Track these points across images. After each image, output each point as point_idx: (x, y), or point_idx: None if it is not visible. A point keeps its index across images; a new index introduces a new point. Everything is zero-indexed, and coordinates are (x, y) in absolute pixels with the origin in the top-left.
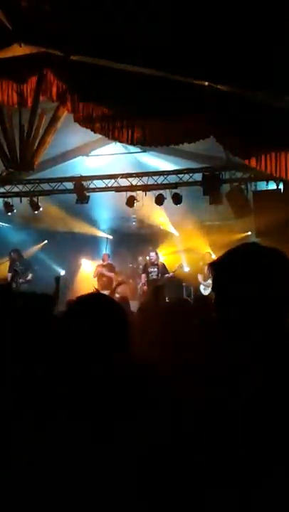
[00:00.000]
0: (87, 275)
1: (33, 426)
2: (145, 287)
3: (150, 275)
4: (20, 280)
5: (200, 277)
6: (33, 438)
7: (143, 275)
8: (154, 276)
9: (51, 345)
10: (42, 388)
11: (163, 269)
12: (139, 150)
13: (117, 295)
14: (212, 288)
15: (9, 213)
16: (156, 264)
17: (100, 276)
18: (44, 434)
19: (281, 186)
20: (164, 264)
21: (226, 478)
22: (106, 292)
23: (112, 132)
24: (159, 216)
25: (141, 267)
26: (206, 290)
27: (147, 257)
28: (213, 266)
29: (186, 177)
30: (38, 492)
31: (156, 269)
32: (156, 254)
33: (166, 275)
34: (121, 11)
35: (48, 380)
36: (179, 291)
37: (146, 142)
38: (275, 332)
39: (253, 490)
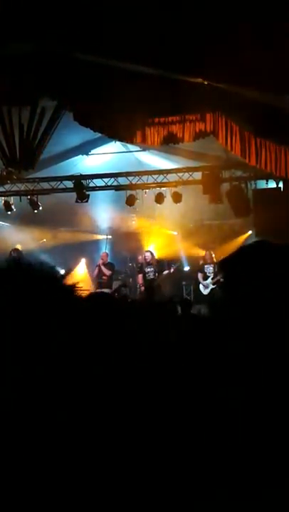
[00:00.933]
0: (85, 274)
1: (33, 426)
2: (143, 288)
3: (147, 275)
4: None
5: (200, 276)
6: (32, 438)
7: (140, 275)
8: (152, 276)
9: (51, 344)
10: (42, 388)
11: (160, 267)
12: (138, 149)
13: (116, 294)
14: (222, 286)
15: (9, 212)
16: (152, 264)
17: (99, 275)
18: (44, 433)
19: (281, 185)
20: (158, 261)
21: (225, 478)
22: (106, 291)
23: (111, 131)
24: (159, 215)
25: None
26: (205, 290)
27: (144, 256)
28: (223, 264)
29: (185, 176)
30: (38, 492)
31: (152, 269)
32: (151, 253)
33: (164, 272)
34: (121, 8)
35: (47, 380)
36: (179, 290)
37: (145, 141)
38: (277, 332)
39: (253, 491)
